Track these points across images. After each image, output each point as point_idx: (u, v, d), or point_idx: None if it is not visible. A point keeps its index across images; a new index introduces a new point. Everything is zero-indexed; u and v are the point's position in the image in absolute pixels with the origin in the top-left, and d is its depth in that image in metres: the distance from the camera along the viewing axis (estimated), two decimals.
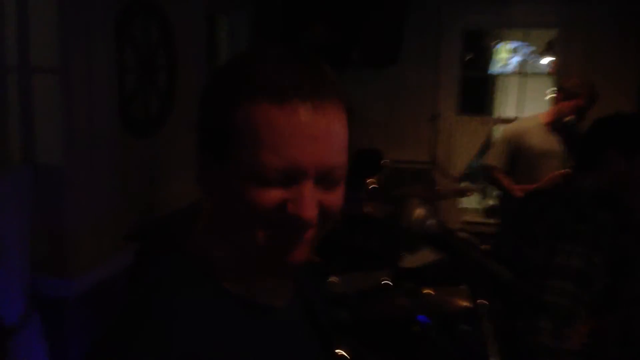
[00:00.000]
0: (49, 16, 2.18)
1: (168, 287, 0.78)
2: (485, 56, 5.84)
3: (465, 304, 2.81)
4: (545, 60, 5.92)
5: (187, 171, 3.34)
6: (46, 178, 2.27)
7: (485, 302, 1.05)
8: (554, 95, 3.85)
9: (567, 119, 3.74)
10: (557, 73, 5.01)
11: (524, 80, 5.36)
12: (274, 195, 0.74)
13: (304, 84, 0.72)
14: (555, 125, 3.82)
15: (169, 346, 0.72)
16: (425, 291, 2.95)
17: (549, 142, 3.82)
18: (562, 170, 3.81)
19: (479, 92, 5.70)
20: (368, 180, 3.85)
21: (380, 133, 4.97)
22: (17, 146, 2.25)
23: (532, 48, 5.86)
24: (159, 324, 0.73)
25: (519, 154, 3.88)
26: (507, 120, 5.01)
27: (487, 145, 5.21)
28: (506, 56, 5.86)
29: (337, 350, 2.66)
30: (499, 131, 5.05)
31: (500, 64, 5.87)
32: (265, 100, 0.71)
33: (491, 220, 4.47)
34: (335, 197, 0.79)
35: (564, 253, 1.69)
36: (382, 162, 3.83)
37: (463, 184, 5.29)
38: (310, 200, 0.75)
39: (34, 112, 2.23)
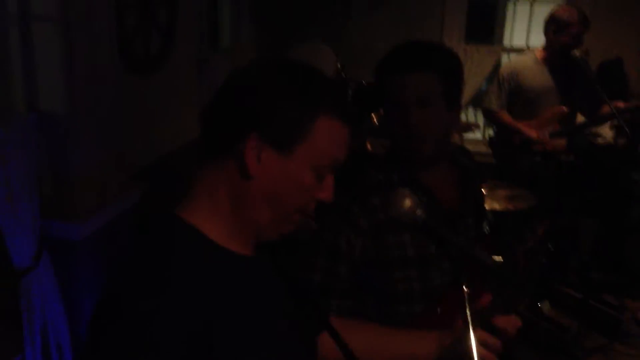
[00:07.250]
0: None
1: (169, 248, 0.96)
2: None
3: None
4: None
5: (188, 108, 3.36)
6: (50, 125, 2.32)
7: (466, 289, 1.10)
8: (546, 27, 3.70)
9: (577, 53, 3.62)
10: (568, 2, 4.87)
11: (533, 7, 5.22)
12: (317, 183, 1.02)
13: (351, 111, 1.08)
14: (550, 59, 3.73)
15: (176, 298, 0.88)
16: None
17: (546, 79, 3.74)
18: (561, 107, 3.78)
19: (486, 19, 5.57)
20: (371, 115, 3.86)
21: None
22: (20, 95, 2.28)
23: None
24: (166, 279, 0.90)
25: (516, 93, 3.79)
26: (516, 49, 4.93)
27: (493, 75, 5.15)
28: None
29: None
30: (505, 61, 4.98)
31: None
32: (338, 118, 1.02)
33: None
34: None
35: None
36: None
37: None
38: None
39: (36, 61, 2.24)
